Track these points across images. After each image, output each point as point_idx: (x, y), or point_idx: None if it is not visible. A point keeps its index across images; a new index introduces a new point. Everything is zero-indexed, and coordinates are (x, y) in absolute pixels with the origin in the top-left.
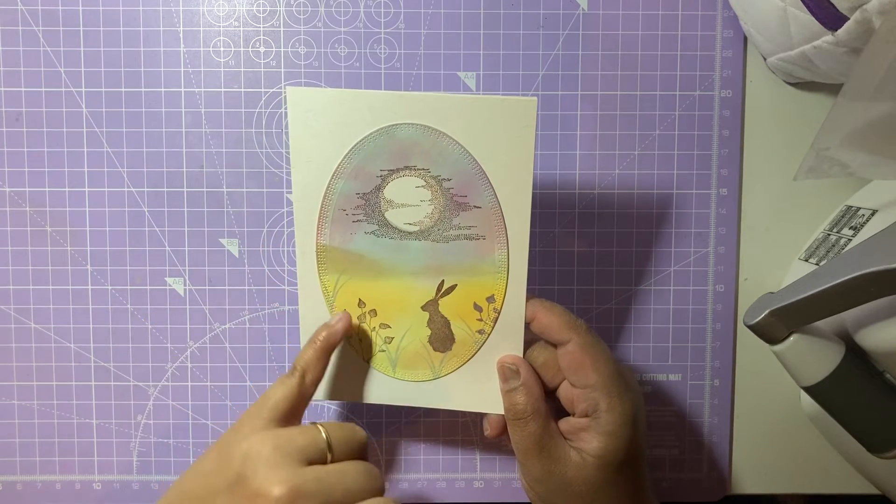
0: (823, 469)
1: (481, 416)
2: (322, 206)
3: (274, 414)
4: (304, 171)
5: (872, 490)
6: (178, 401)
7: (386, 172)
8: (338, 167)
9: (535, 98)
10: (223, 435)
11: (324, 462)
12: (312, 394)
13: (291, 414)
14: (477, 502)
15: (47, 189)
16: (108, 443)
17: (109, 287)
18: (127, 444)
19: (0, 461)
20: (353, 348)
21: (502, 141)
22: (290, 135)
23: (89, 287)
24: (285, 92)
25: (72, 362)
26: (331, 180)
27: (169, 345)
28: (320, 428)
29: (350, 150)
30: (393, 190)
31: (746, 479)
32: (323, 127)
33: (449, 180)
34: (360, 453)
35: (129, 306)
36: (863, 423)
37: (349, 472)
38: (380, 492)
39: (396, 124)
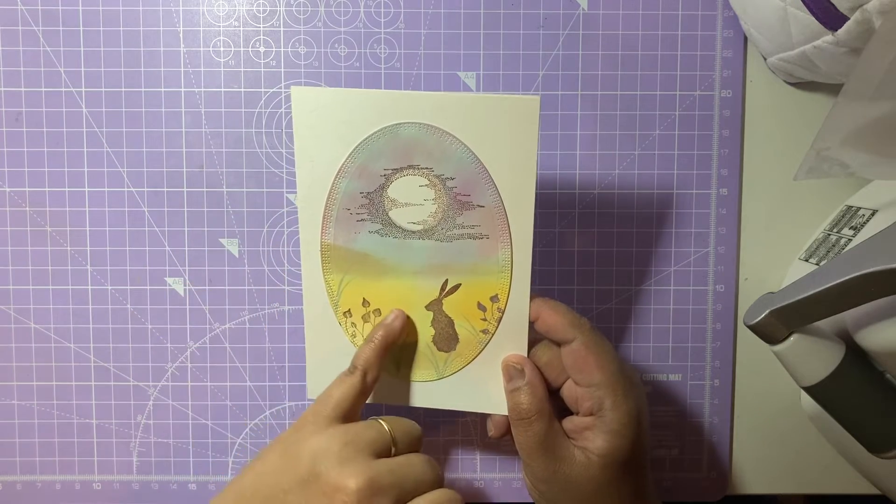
0: (823, 469)
1: (482, 415)
2: (326, 206)
3: (337, 412)
4: (308, 170)
5: (872, 490)
6: (178, 401)
7: (390, 171)
8: (342, 166)
9: (538, 97)
10: (283, 435)
11: (389, 455)
12: (371, 391)
13: (352, 412)
14: (477, 502)
15: (47, 189)
16: (108, 443)
17: (109, 287)
18: (127, 444)
19: (0, 461)
20: (356, 348)
21: (505, 140)
22: (295, 134)
23: (89, 287)
24: (290, 91)
25: (72, 362)
26: (335, 179)
27: (169, 345)
28: (383, 422)
29: (354, 150)
30: (397, 189)
31: (746, 479)
32: (327, 126)
33: (452, 179)
34: (418, 446)
35: (129, 306)
36: (863, 423)
37: (416, 464)
38: (441, 482)
39: (400, 123)
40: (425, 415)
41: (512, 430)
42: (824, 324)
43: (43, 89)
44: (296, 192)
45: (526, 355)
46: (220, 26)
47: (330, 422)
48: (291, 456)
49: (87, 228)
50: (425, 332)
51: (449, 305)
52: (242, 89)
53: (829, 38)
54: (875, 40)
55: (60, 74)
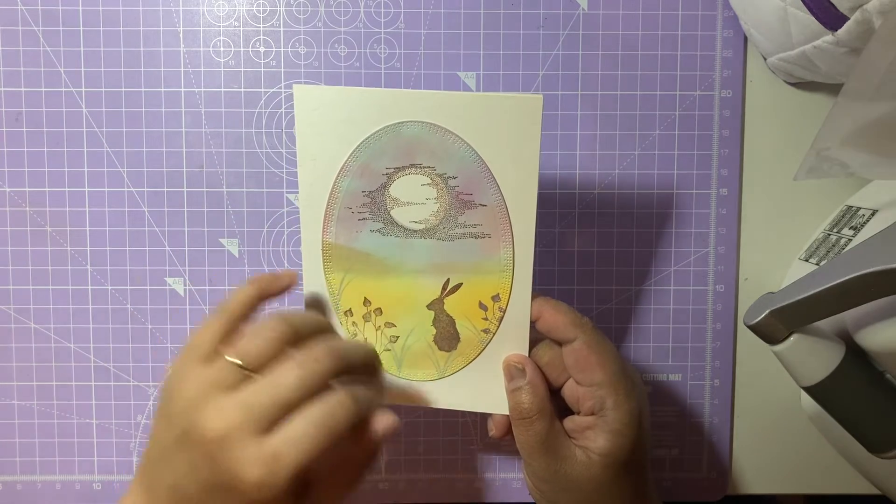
0: (823, 469)
1: (483, 415)
2: (328, 204)
3: (198, 353)
4: (309, 169)
5: (872, 490)
6: None
7: (392, 170)
8: (344, 165)
9: (541, 96)
10: (161, 392)
11: (248, 381)
12: (237, 329)
13: (214, 351)
14: (477, 502)
15: (47, 189)
16: (108, 443)
17: (109, 287)
18: (127, 444)
19: (0, 461)
20: None
21: (508, 139)
22: (297, 132)
23: (89, 287)
24: (293, 90)
25: (72, 362)
26: (337, 178)
27: (169, 345)
28: (225, 354)
29: (356, 148)
30: (398, 188)
31: (746, 479)
32: (329, 125)
33: (454, 178)
34: (289, 341)
35: (129, 306)
36: (863, 423)
37: (278, 381)
38: (329, 371)
39: (402, 122)
40: (425, 414)
41: (513, 430)
42: (824, 324)
43: (43, 89)
44: (296, 192)
45: (527, 355)
46: (220, 26)
47: (192, 367)
48: (166, 413)
49: (87, 228)
50: (426, 332)
51: (450, 305)
52: (242, 89)
53: (829, 38)
54: (875, 40)
55: (60, 74)
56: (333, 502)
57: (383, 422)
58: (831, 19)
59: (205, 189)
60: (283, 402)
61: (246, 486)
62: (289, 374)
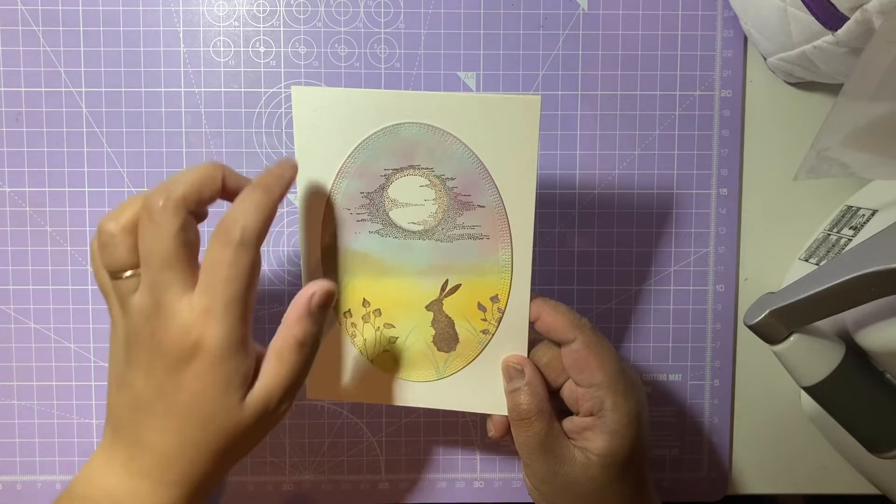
0: (823, 469)
1: (483, 416)
2: (326, 206)
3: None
4: (308, 170)
5: (872, 490)
6: None
7: (390, 171)
8: (342, 166)
9: (539, 96)
10: None
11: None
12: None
13: None
14: (477, 502)
15: (47, 189)
16: None
17: None
18: None
19: (0, 461)
20: (357, 348)
21: (506, 140)
22: (295, 134)
23: (89, 287)
24: (291, 91)
25: (72, 362)
26: (335, 179)
27: None
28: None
29: (354, 149)
30: (397, 189)
31: (746, 479)
32: (328, 126)
33: (453, 179)
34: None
35: None
36: (863, 423)
37: (144, 249)
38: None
39: (401, 123)
40: (426, 414)
41: (512, 431)
42: (824, 324)
43: (43, 89)
44: (295, 193)
45: (526, 355)
46: (220, 26)
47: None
48: (112, 352)
49: (87, 228)
50: (425, 333)
51: (449, 306)
52: (242, 89)
53: (829, 38)
54: (875, 40)
55: (60, 74)
56: (282, 390)
57: (316, 285)
58: (831, 19)
59: None
60: (160, 258)
61: (199, 341)
62: (144, 237)
